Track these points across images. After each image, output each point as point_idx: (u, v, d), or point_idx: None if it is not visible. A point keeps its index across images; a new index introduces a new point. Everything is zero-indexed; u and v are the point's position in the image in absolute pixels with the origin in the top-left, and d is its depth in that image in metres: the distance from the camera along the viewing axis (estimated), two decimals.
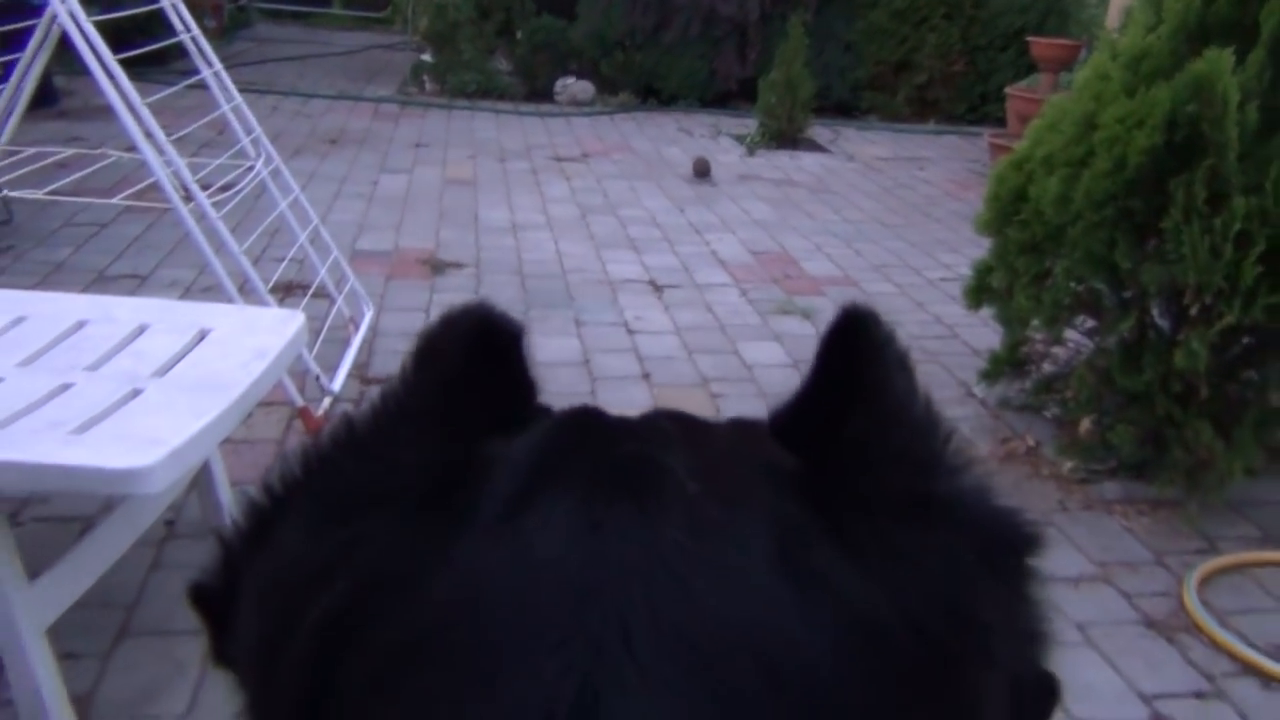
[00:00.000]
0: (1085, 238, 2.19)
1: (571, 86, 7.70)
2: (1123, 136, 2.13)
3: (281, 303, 3.22)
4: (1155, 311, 2.26)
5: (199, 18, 8.98)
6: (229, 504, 2.12)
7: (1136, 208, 2.16)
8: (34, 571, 1.53)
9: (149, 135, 2.34)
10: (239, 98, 2.82)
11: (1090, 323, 2.52)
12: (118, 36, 2.54)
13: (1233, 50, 2.06)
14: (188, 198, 2.43)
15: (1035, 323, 2.45)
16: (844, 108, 8.01)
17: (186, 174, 2.40)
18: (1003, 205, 2.41)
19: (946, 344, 3.38)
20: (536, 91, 7.75)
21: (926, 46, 7.85)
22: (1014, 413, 2.84)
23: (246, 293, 2.66)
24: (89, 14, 2.36)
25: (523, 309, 3.42)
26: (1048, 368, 2.67)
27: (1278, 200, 2.02)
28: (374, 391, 2.72)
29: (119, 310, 1.98)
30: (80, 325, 1.91)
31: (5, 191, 3.55)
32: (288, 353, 1.91)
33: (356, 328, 2.97)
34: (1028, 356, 2.63)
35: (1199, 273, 2.07)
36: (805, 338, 3.36)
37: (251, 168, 2.81)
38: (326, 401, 2.64)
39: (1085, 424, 2.54)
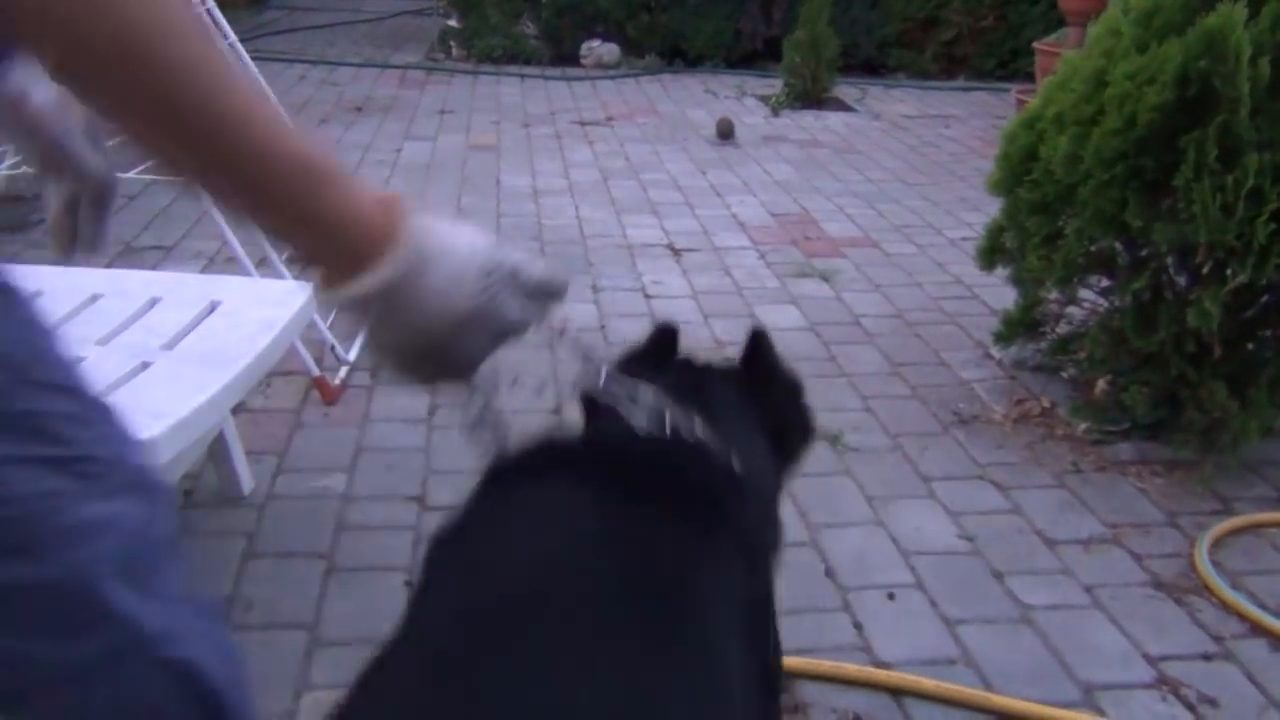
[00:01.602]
0: (1096, 197, 2.15)
1: (597, 49, 7.63)
2: (1133, 94, 2.08)
3: (299, 275, 3.24)
4: (1171, 269, 2.21)
5: None
6: (244, 472, 2.15)
7: (1147, 166, 2.11)
8: None
9: None
10: (253, 67, 2.82)
11: (1105, 283, 2.48)
12: None
13: (1245, 3, 2.00)
14: None
15: (1049, 284, 2.41)
16: (871, 66, 7.89)
17: None
18: (1013, 165, 2.37)
19: (966, 305, 3.34)
20: (562, 55, 7.69)
21: (954, 1, 7.70)
22: (1030, 374, 2.80)
23: (268, 265, 2.68)
24: None
25: None
26: (1063, 328, 2.63)
27: None
28: None
29: (132, 283, 2.01)
30: (94, 299, 1.94)
31: None
32: (295, 324, 1.92)
33: None
34: (1042, 317, 2.59)
35: (1210, 231, 2.03)
36: (823, 300, 3.33)
37: None
38: (343, 371, 2.66)
39: (1100, 385, 2.51)
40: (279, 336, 1.83)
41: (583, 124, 5.67)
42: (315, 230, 0.71)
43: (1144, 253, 2.23)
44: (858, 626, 1.85)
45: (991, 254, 2.57)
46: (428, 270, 0.73)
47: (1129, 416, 2.42)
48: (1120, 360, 2.41)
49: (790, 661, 1.72)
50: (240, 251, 2.44)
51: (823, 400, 2.65)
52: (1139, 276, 2.22)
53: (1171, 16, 2.12)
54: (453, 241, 0.75)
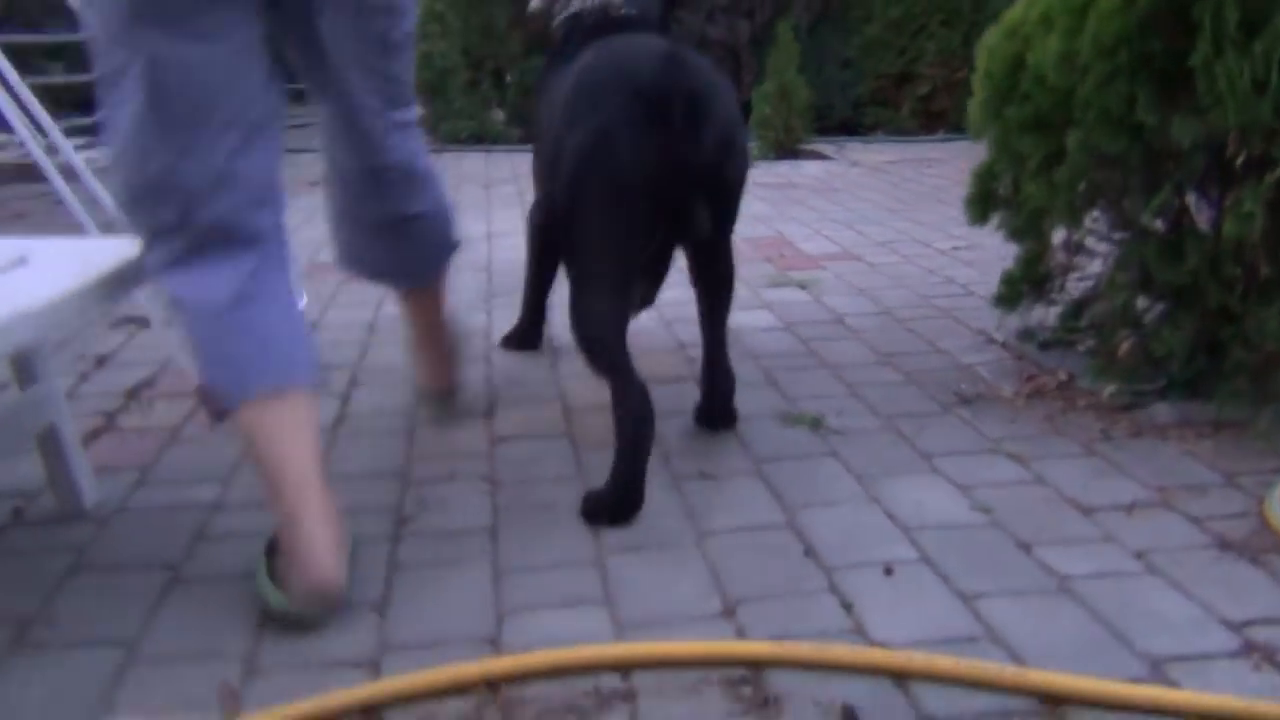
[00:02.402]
0: (1098, 94, 1.80)
1: None
2: None
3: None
4: (1198, 176, 1.85)
5: None
6: (87, 484, 1.75)
7: (1155, 50, 1.77)
8: None
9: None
10: None
11: (1120, 235, 2.12)
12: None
13: None
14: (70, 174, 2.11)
15: (1052, 220, 2.05)
16: (848, 126, 7.68)
17: (59, 137, 2.08)
18: (997, 83, 2.02)
19: (960, 300, 2.98)
20: (531, 135, 7.50)
21: (927, 56, 7.53)
22: (1041, 351, 2.42)
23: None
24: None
25: (485, 298, 3.07)
26: (1075, 288, 2.25)
27: None
28: None
29: None
30: None
31: None
32: (125, 277, 1.55)
33: None
34: (1048, 272, 2.22)
35: (1240, 112, 1.67)
36: (801, 304, 2.97)
37: None
38: None
39: (1124, 343, 2.12)
40: (87, 289, 1.45)
41: None
42: None
43: (1161, 165, 1.87)
44: (846, 607, 1.42)
45: (983, 203, 2.21)
46: None
47: (1163, 372, 2.03)
48: (1146, 310, 2.03)
49: (757, 648, 1.30)
50: (77, 207, 2.07)
51: (801, 389, 2.27)
52: (1158, 191, 1.86)
53: None
54: None
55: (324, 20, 1.55)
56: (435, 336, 2.04)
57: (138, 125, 1.38)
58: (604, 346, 1.77)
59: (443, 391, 2.11)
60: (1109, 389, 2.08)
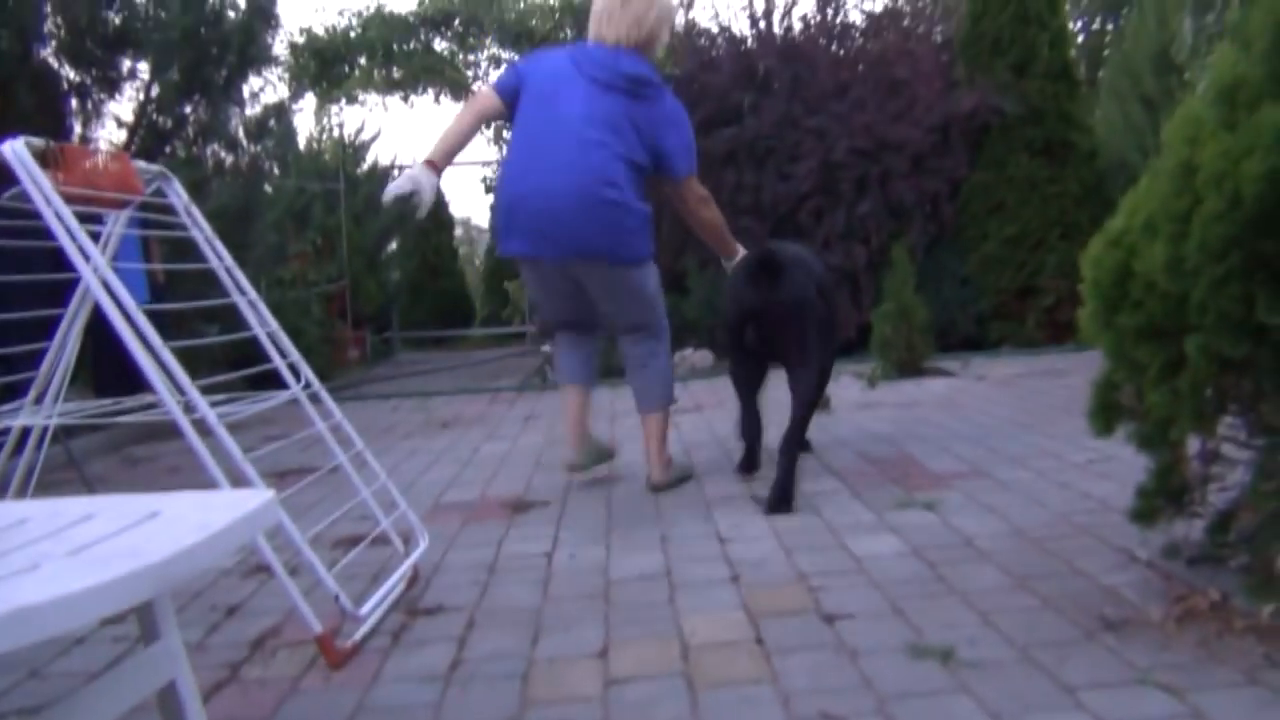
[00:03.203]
0: (1213, 298, 1.74)
1: (690, 356, 7.61)
2: (1229, 170, 1.73)
3: (335, 551, 2.96)
4: None
5: (340, 349, 9.37)
6: None
7: (1270, 250, 1.72)
8: None
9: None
10: (274, 324, 2.68)
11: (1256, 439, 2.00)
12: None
13: None
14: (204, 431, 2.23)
15: (1181, 427, 1.94)
16: (971, 342, 7.64)
17: (196, 396, 2.20)
18: (1105, 291, 1.98)
19: (1099, 517, 2.83)
20: None
21: (1048, 268, 7.52)
22: (1189, 569, 2.26)
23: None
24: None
25: (604, 530, 3.05)
26: (1214, 497, 2.12)
27: None
28: (420, 625, 2.35)
29: (69, 505, 1.73)
30: (21, 522, 1.66)
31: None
32: (241, 529, 1.59)
33: (405, 557, 2.64)
34: (1185, 484, 2.10)
35: None
36: (927, 526, 2.86)
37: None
38: (360, 633, 2.28)
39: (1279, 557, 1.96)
40: (212, 539, 1.50)
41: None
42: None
43: None
44: None
45: (1107, 414, 2.12)
46: None
47: None
48: None
49: None
50: (210, 463, 2.14)
51: (929, 619, 2.15)
52: None
53: (1258, 88, 1.80)
54: None
55: None
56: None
57: None
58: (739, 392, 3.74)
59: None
60: (1268, 608, 1.91)
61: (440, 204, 14.03)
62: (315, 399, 2.71)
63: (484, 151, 13.53)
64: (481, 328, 13.31)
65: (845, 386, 5.98)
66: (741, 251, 3.75)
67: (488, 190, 9.97)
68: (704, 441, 4.49)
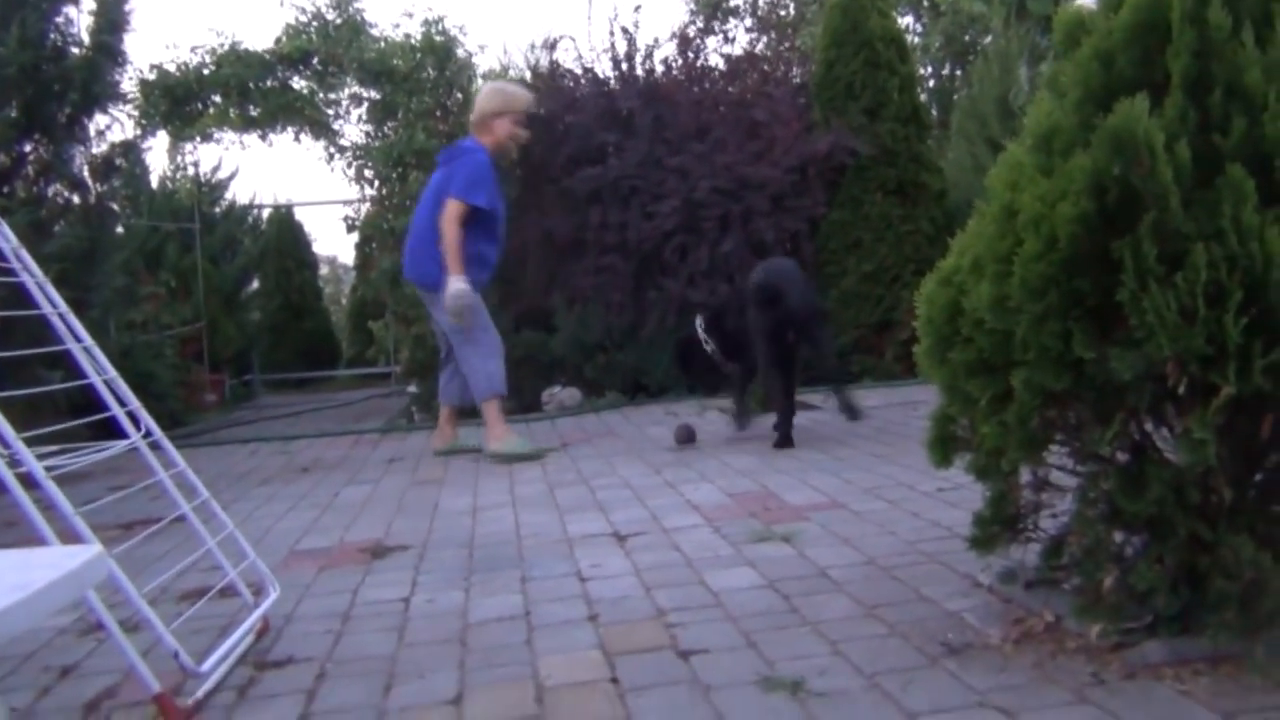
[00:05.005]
0: (1034, 334, 1.84)
1: (559, 395, 7.59)
2: (1046, 213, 1.83)
3: (182, 604, 2.85)
4: (1143, 407, 1.85)
5: (196, 393, 9.05)
6: None
7: (1084, 288, 1.82)
8: None
9: None
10: (112, 371, 2.58)
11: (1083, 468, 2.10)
12: None
13: (1144, 96, 1.80)
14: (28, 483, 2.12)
15: (1011, 457, 2.03)
16: (835, 377, 7.82)
17: (20, 448, 2.10)
18: (938, 327, 2.07)
19: (946, 544, 2.93)
20: (525, 405, 7.62)
21: (904, 304, 7.77)
22: (1027, 592, 2.35)
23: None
24: None
25: (464, 573, 3.02)
26: (1047, 523, 2.22)
27: (1243, 240, 1.68)
28: (268, 678, 2.28)
29: None
30: None
31: None
32: (64, 587, 1.52)
33: (254, 608, 2.56)
34: (1019, 511, 2.19)
35: (1173, 341, 1.69)
36: (783, 559, 2.92)
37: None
38: (203, 690, 2.19)
39: (1106, 579, 2.06)
40: (30, 599, 1.43)
41: None
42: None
43: (1112, 396, 1.88)
44: None
45: (944, 445, 2.21)
46: None
47: (1150, 608, 1.96)
48: (1124, 543, 1.99)
49: None
50: (37, 518, 2.04)
51: (782, 651, 2.19)
52: (1110, 425, 1.86)
53: (1071, 136, 1.91)
54: None
55: None
56: None
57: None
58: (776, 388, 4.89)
59: None
60: (1096, 628, 2.00)
61: (303, 242, 13.76)
62: (156, 447, 2.61)
63: (346, 190, 13.34)
64: (347, 368, 13.05)
65: (711, 422, 6.06)
66: (461, 275, 5.06)
67: (350, 229, 9.83)
68: (569, 480, 4.48)
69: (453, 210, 5.09)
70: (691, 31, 8.75)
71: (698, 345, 5.45)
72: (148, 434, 2.59)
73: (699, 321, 5.49)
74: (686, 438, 5.22)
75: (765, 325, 4.80)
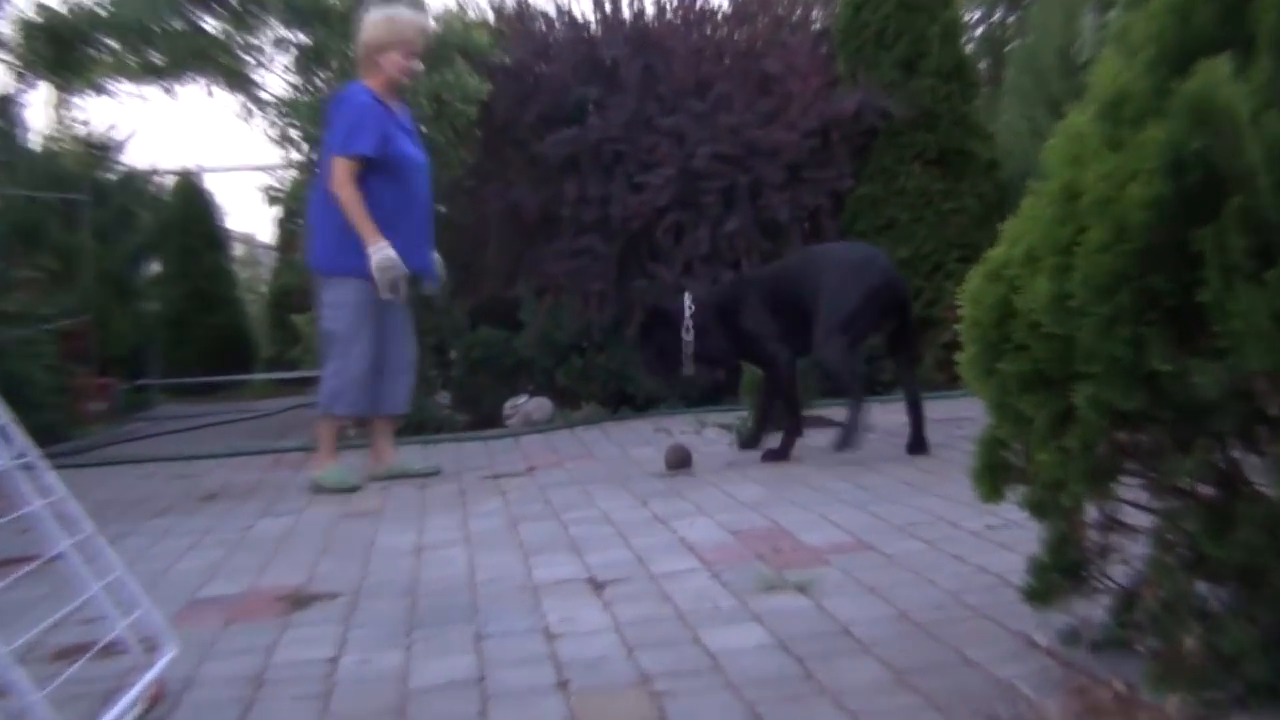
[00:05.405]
0: (1101, 341, 1.84)
1: (524, 406, 7.60)
2: (1114, 195, 1.84)
3: (58, 663, 2.85)
4: (1232, 445, 1.87)
5: (80, 402, 9.04)
6: None
7: (1160, 286, 1.83)
8: None
9: None
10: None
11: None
12: None
13: (1228, 60, 1.81)
14: None
15: (1073, 490, 2.04)
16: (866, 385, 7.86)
17: None
18: (985, 331, 2.08)
19: (995, 595, 2.93)
20: (482, 419, 7.64)
21: (945, 298, 7.81)
22: (1093, 655, 2.36)
23: None
24: None
25: (405, 628, 3.02)
26: (1116, 573, 2.23)
27: None
28: None
29: None
30: None
31: None
32: None
33: (146, 669, 2.56)
34: (1082, 556, 2.20)
35: (1264, 352, 1.70)
36: (797, 612, 2.92)
37: None
38: None
39: (1187, 640, 2.06)
40: None
41: (496, 477, 5.46)
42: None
43: (1189, 417, 1.89)
44: None
45: (993, 474, 2.22)
46: None
47: (1239, 675, 1.97)
48: (1201, 595, 2.00)
49: None
50: None
51: None
52: (1192, 452, 1.87)
53: (1143, 103, 1.92)
54: None
55: None
56: None
57: None
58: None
59: None
60: (1175, 699, 2.01)
61: (213, 217, 13.75)
62: (29, 469, 2.61)
63: (267, 154, 13.34)
64: (265, 371, 13.03)
65: (711, 441, 6.08)
66: (381, 242, 5.13)
67: (272, 201, 9.79)
68: (536, 513, 4.49)
69: (339, 170, 5.17)
70: None
71: (671, 327, 5.52)
72: (20, 454, 2.59)
73: (687, 302, 5.53)
74: (680, 462, 5.23)
75: (867, 312, 5.24)
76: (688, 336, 5.41)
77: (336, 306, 5.35)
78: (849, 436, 5.20)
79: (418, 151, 5.54)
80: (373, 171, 5.21)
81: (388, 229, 5.21)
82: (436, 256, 5.73)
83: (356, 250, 5.17)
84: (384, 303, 5.29)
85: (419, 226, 5.49)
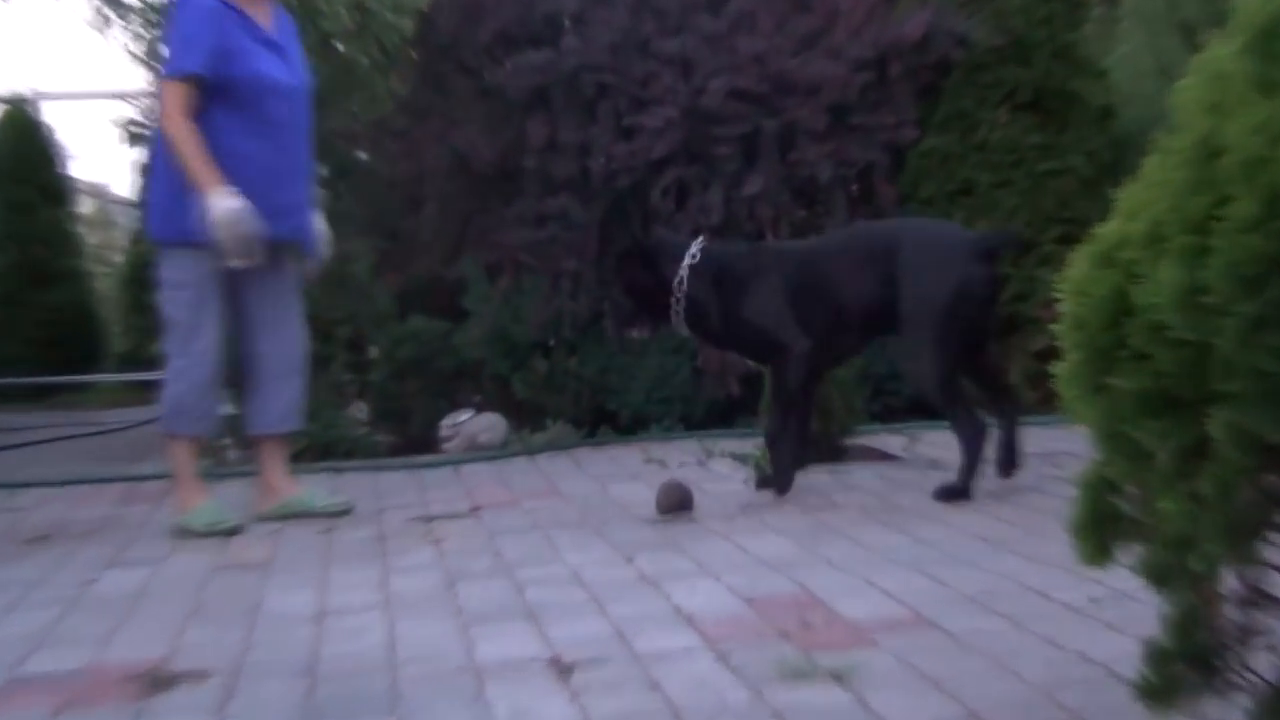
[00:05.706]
0: (1245, 351, 1.85)
1: (468, 425, 7.59)
2: (1268, 155, 1.85)
3: None
4: None
5: None
6: None
7: None
8: None
9: None
10: None
11: None
12: None
13: None
14: None
15: (1207, 549, 2.06)
16: (922, 405, 7.88)
17: None
18: (1092, 334, 2.08)
19: (1101, 694, 2.95)
20: (411, 440, 7.66)
21: (1040, 291, 7.84)
22: None
23: None
24: None
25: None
26: (1263, 665, 2.24)
27: None
28: None
29: None
30: None
31: None
32: None
33: None
34: (1218, 640, 2.21)
35: None
36: (836, 713, 2.94)
37: None
38: None
39: None
40: None
41: (428, 519, 5.49)
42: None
43: None
44: None
45: (1099, 528, 2.23)
46: None
47: None
48: None
49: None
50: None
51: None
52: None
53: None
54: None
55: None
56: None
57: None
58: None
59: None
60: None
61: (52, 161, 13.75)
62: None
63: (126, 77, 13.34)
64: (117, 370, 13.06)
65: (719, 477, 6.11)
66: (220, 189, 4.99)
67: (134, 140, 9.76)
68: (481, 568, 4.52)
69: (166, 97, 5.19)
70: None
71: (657, 277, 5.48)
72: None
73: (690, 257, 5.43)
74: (678, 504, 5.25)
75: (958, 311, 5.37)
76: (675, 305, 5.30)
77: (174, 286, 5.30)
78: (964, 480, 5.35)
79: (289, 72, 5.40)
80: (216, 100, 5.14)
81: (237, 176, 5.08)
82: (319, 219, 5.66)
83: (237, 173, 5.07)
84: (239, 276, 5.21)
85: (287, 174, 5.38)
